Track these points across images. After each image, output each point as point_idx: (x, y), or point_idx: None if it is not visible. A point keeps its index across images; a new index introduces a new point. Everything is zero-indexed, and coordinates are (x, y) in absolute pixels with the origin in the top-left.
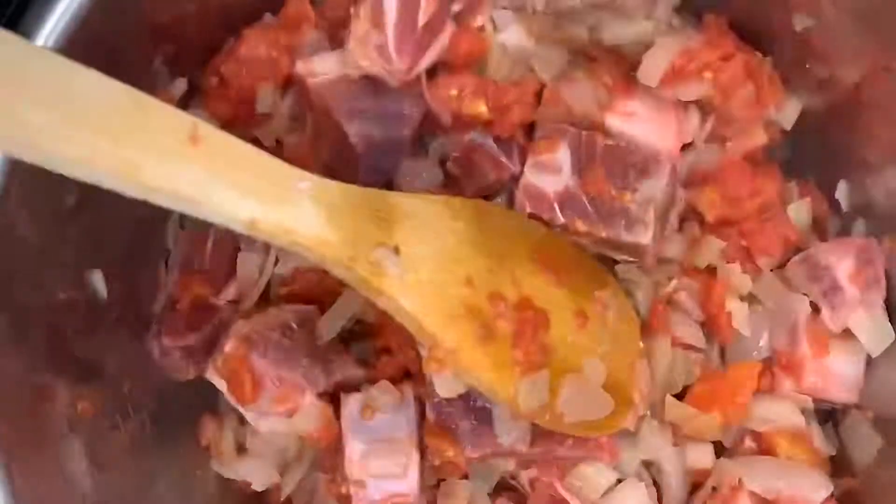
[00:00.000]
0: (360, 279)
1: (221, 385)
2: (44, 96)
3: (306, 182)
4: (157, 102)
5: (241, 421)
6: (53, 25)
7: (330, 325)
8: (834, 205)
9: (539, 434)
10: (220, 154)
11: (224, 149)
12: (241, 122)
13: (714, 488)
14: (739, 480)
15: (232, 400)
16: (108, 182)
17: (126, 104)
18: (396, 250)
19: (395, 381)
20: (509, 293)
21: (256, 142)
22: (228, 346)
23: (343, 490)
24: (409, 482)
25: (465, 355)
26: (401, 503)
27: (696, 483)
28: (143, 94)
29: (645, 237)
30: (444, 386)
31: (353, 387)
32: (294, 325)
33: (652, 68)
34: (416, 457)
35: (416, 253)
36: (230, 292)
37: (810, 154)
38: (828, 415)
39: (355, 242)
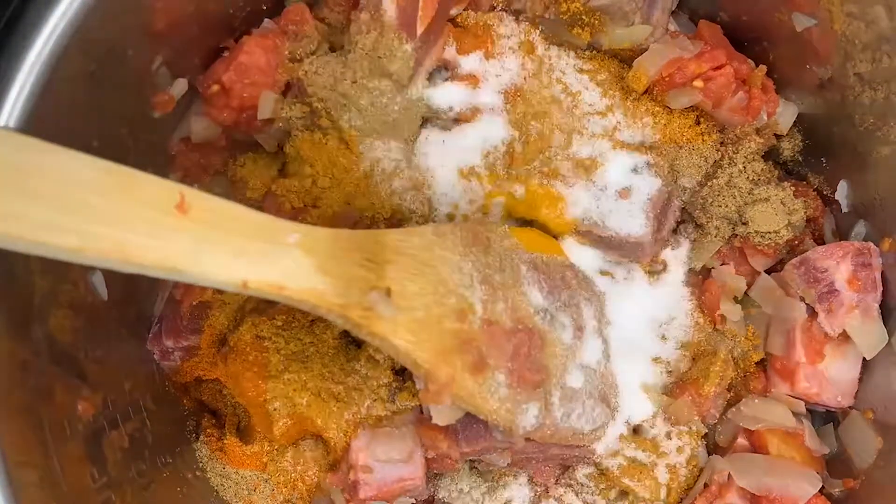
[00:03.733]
0: (353, 324)
1: (229, 382)
2: (38, 189)
3: (295, 235)
4: (142, 175)
5: (241, 422)
6: (54, 26)
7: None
8: (833, 206)
9: None
10: (208, 219)
11: (211, 213)
12: (243, 128)
13: (705, 485)
14: (729, 476)
15: (240, 399)
16: (98, 263)
17: (112, 183)
18: (388, 292)
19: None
20: (503, 318)
21: (258, 147)
22: (240, 343)
23: (351, 476)
24: (415, 466)
25: (460, 386)
26: (409, 487)
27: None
28: (129, 168)
29: (643, 234)
30: (441, 415)
31: (360, 381)
32: (303, 322)
33: (640, 76)
34: (420, 443)
35: (409, 290)
36: None
37: (810, 155)
38: (828, 416)
39: (347, 289)
